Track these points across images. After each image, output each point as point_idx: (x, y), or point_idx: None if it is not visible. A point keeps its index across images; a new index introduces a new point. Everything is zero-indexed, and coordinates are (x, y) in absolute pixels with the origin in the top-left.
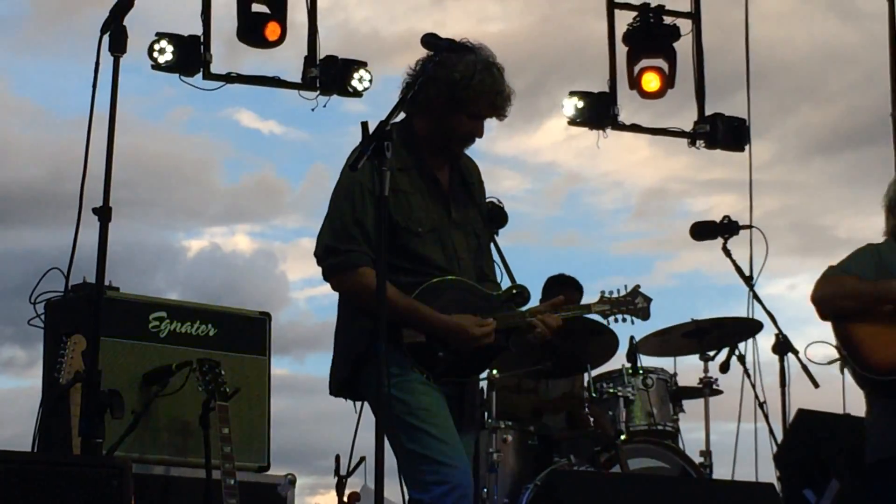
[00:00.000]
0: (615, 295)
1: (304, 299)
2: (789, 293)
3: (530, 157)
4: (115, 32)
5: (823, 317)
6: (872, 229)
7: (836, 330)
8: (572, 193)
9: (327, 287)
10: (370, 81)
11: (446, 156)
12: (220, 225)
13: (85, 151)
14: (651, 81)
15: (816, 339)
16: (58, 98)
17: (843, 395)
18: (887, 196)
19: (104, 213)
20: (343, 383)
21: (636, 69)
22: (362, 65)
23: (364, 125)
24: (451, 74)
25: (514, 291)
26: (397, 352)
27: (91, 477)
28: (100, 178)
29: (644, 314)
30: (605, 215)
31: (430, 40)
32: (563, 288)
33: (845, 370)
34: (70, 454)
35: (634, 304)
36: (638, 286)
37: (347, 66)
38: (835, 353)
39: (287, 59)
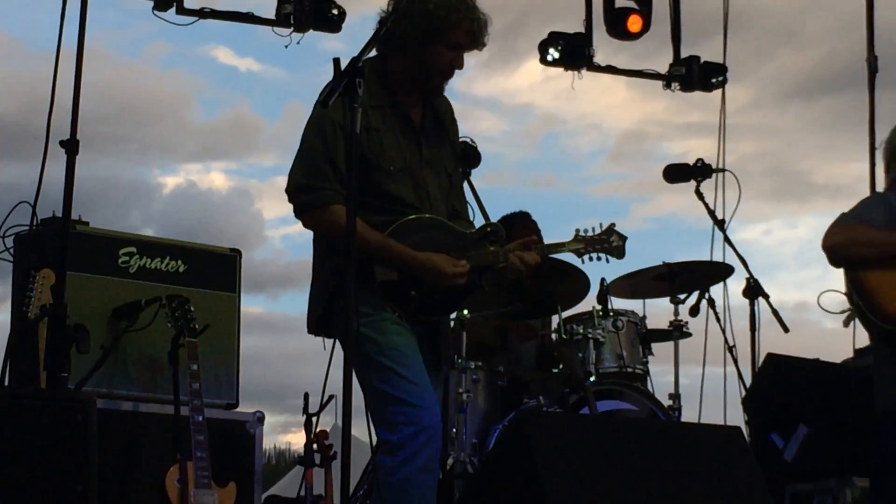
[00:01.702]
0: (590, 233)
1: (280, 237)
2: (763, 238)
3: (507, 99)
4: None
5: (835, 264)
6: (849, 175)
7: (848, 278)
8: (549, 135)
9: (302, 226)
10: (343, 17)
11: (420, 94)
12: (196, 162)
13: (52, 84)
14: (635, 22)
15: (788, 284)
16: (31, 30)
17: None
18: (889, 146)
19: (71, 146)
20: (319, 321)
21: (613, 10)
22: (336, 15)
23: (336, 61)
24: (426, 6)
25: (488, 230)
26: (369, 290)
27: (55, 411)
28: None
29: (619, 252)
30: (581, 157)
31: None
32: (522, 224)
33: (853, 322)
34: (37, 388)
35: (609, 242)
36: (613, 224)
37: (321, 3)
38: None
39: None
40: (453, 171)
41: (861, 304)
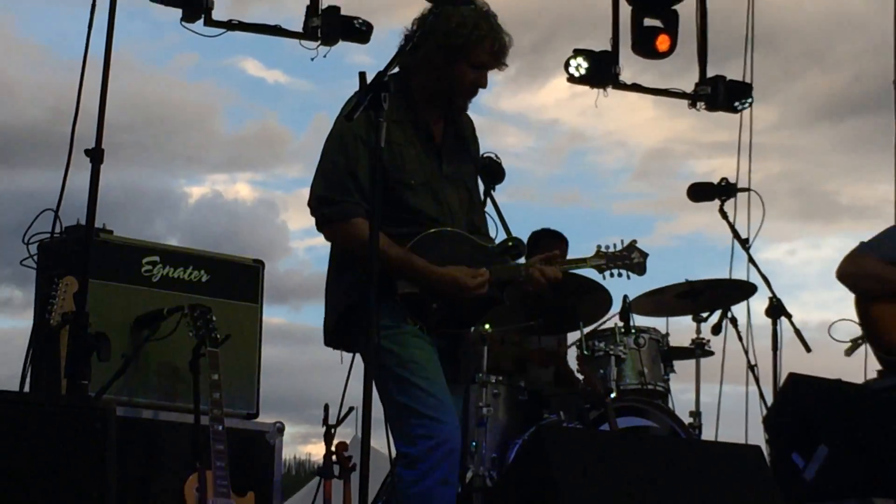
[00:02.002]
0: (612, 249)
1: (304, 249)
2: (788, 258)
3: (534, 115)
4: None
5: (852, 291)
6: (875, 196)
7: (857, 307)
8: (575, 152)
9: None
10: (371, 30)
11: (443, 110)
12: (222, 172)
13: (78, 93)
14: (664, 42)
15: (811, 304)
16: (60, 38)
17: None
18: None
19: (96, 155)
20: (333, 333)
21: (641, 28)
22: (364, 28)
23: (362, 75)
24: (450, 24)
25: (510, 244)
26: (390, 303)
27: (74, 418)
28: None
29: (640, 269)
30: (607, 174)
31: None
32: (549, 242)
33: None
34: (57, 395)
35: (631, 258)
36: (634, 241)
37: (349, 21)
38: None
39: (292, 8)
40: (473, 186)
41: (864, 332)
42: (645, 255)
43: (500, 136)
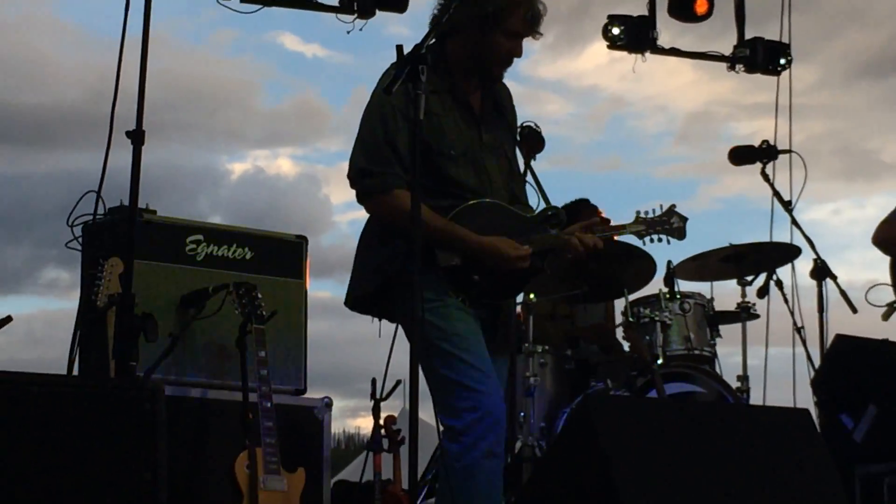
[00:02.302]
0: (651, 215)
1: (347, 222)
2: (833, 218)
3: (574, 81)
4: None
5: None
6: None
7: (892, 271)
8: (615, 117)
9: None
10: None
11: (480, 79)
12: (263, 148)
13: (116, 74)
14: (702, 4)
15: (858, 264)
16: (101, 18)
17: None
18: None
19: (137, 137)
20: (366, 297)
21: None
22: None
23: (399, 48)
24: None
25: (549, 213)
26: (432, 275)
27: (124, 399)
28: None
29: (680, 234)
30: (648, 139)
31: None
32: (583, 211)
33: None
34: (105, 377)
35: (670, 223)
36: (673, 205)
37: None
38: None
39: None
40: (513, 155)
41: None
42: (684, 220)
43: (539, 104)
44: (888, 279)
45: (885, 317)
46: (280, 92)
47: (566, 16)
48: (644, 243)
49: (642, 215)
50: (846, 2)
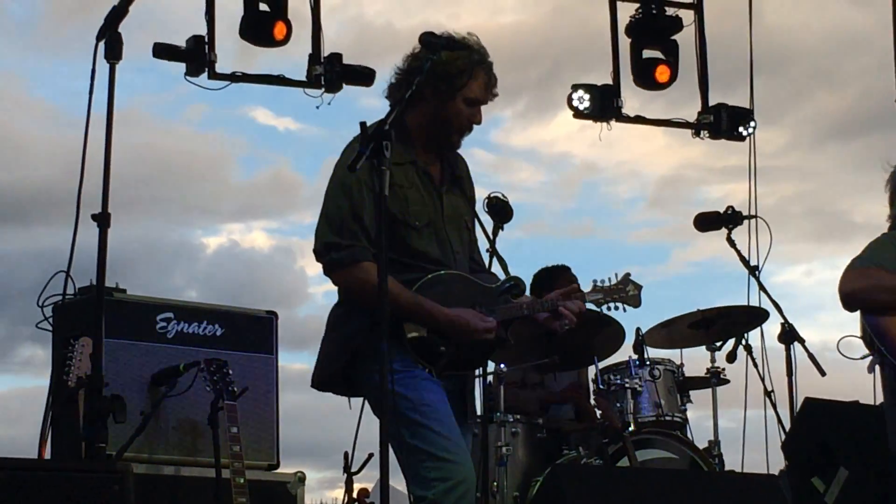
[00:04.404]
0: (606, 283)
1: (322, 293)
2: (805, 279)
3: (545, 149)
4: (110, 40)
5: (851, 309)
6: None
7: (867, 323)
8: (588, 184)
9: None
10: (374, 74)
11: (438, 148)
12: (237, 221)
13: (83, 154)
14: (663, 73)
15: (830, 325)
16: (72, 98)
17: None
18: (890, 185)
19: (103, 220)
20: (333, 377)
21: (640, 60)
22: (366, 72)
23: (363, 125)
24: (446, 68)
25: (510, 283)
26: (399, 347)
27: (93, 482)
28: (114, 180)
29: (635, 301)
30: (620, 204)
31: (428, 39)
32: (565, 275)
33: (876, 367)
34: (76, 459)
35: (626, 291)
36: (628, 273)
37: (351, 67)
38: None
39: (296, 56)
40: (472, 225)
41: (883, 348)
42: (639, 287)
43: (512, 172)
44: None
45: (871, 369)
46: (253, 165)
47: (535, 84)
48: (601, 311)
49: (599, 284)
50: (813, 65)
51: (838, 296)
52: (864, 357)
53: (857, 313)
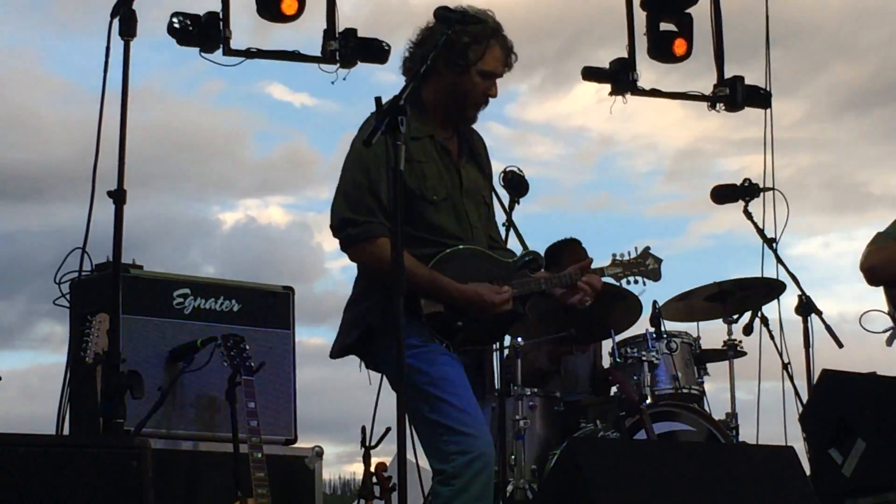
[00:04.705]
0: (626, 257)
1: (339, 269)
2: (822, 251)
3: (562, 122)
4: (124, 17)
5: (874, 283)
6: None
7: (887, 296)
8: (604, 157)
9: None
10: (389, 50)
11: (455, 123)
12: (254, 197)
13: (97, 135)
14: (679, 46)
15: (847, 297)
16: (88, 76)
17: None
18: None
19: (119, 196)
20: (350, 348)
21: (656, 33)
22: (380, 44)
23: (378, 100)
24: (461, 41)
25: (528, 258)
26: (416, 322)
27: (110, 458)
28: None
29: (655, 275)
30: (637, 178)
31: (442, 14)
32: (568, 251)
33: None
34: (93, 435)
35: (646, 265)
36: (648, 247)
37: (366, 43)
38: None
39: (312, 31)
40: (490, 200)
41: None
42: (659, 261)
43: (528, 146)
44: (882, 307)
45: (890, 342)
46: (269, 141)
47: (553, 58)
48: (620, 285)
49: (618, 258)
50: (830, 36)
51: (861, 271)
52: (885, 331)
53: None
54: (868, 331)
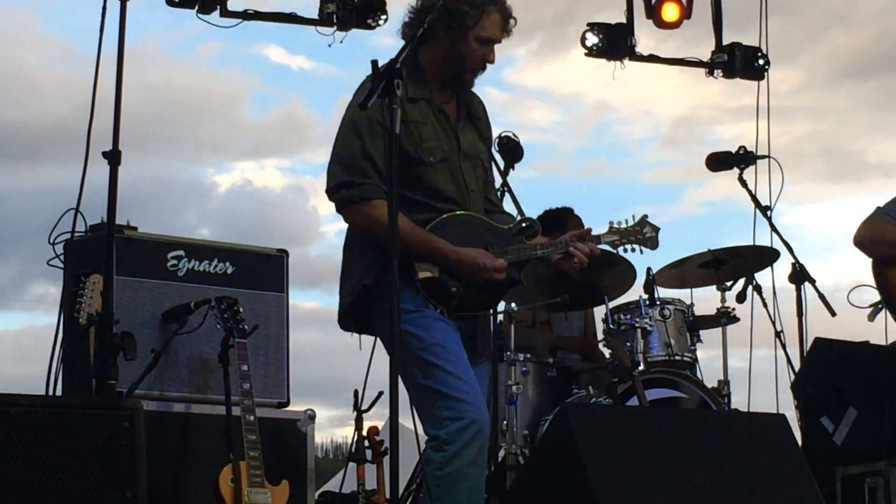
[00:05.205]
0: (623, 225)
1: (335, 232)
2: (817, 220)
3: (558, 88)
4: None
5: (869, 257)
6: None
7: (874, 272)
8: (601, 123)
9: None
10: (385, 20)
11: (453, 87)
12: (250, 160)
13: (92, 95)
14: (669, 11)
15: (841, 266)
16: (85, 36)
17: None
18: None
19: (113, 157)
20: (347, 315)
21: None
22: (379, 5)
23: (374, 63)
24: (458, 5)
25: (524, 224)
26: (410, 286)
27: (103, 419)
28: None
29: (652, 244)
30: (633, 144)
31: None
32: (560, 219)
33: (878, 315)
34: (86, 395)
35: (643, 233)
36: (646, 216)
37: (364, 5)
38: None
39: None
40: (488, 164)
41: (884, 298)
42: (657, 229)
43: (525, 111)
44: (872, 280)
45: (871, 317)
46: (266, 103)
47: (550, 22)
48: (617, 253)
49: (615, 225)
50: (829, 4)
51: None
52: (869, 306)
53: None
54: (855, 306)
